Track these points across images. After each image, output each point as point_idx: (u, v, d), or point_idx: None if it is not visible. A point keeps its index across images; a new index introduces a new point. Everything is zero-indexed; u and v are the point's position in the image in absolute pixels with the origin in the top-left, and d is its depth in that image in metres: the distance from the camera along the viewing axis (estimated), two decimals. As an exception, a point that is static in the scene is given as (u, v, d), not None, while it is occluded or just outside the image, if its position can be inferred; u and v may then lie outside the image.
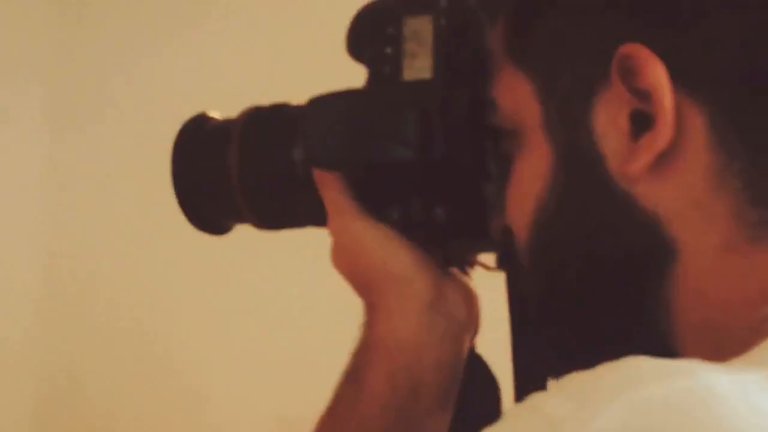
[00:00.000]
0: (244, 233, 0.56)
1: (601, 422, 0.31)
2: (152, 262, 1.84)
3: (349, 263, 0.49)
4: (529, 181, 0.42)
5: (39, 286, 1.91)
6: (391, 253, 0.47)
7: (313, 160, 0.49)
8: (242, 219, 0.53)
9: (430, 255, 0.48)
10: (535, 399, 0.34)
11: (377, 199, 0.48)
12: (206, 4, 1.83)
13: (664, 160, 0.38)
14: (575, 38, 0.41)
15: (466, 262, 0.50)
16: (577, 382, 0.34)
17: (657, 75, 0.38)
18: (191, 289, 1.86)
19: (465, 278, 0.50)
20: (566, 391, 0.34)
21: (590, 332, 0.43)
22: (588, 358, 0.35)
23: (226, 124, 0.53)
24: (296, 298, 1.75)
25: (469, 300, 0.49)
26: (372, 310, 0.48)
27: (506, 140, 0.44)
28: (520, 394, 0.45)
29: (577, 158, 0.41)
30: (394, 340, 0.46)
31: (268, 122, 0.52)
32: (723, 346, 0.38)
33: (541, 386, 0.43)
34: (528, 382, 0.45)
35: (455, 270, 0.49)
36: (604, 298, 0.42)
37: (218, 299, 1.83)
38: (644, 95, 0.38)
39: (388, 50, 0.47)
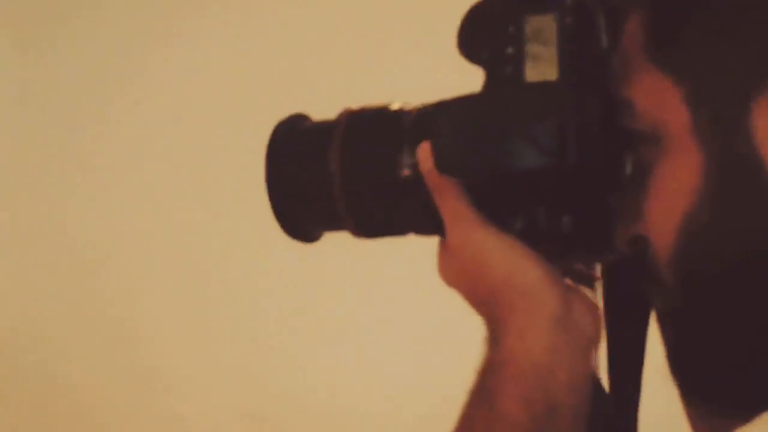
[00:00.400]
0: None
1: None
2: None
3: (470, 276, 0.45)
4: (676, 189, 0.40)
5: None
6: (517, 265, 0.44)
7: (444, 166, 0.45)
8: (340, 226, 0.51)
9: (556, 267, 0.45)
10: None
11: (500, 207, 0.45)
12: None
13: None
14: (729, 42, 0.40)
15: (589, 275, 0.48)
16: None
17: None
18: (160, 268, 1.84)
19: (587, 291, 0.47)
20: None
21: (754, 342, 0.40)
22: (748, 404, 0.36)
23: (325, 126, 0.51)
24: (265, 291, 1.73)
25: (594, 314, 0.46)
26: (498, 326, 0.44)
27: (645, 146, 0.42)
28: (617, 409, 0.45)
29: (736, 164, 0.39)
30: (527, 360, 0.43)
31: (371, 125, 0.50)
32: None
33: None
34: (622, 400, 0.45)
35: (577, 282, 0.47)
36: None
37: (186, 287, 1.80)
38: None
39: (510, 50, 0.45)
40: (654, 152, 0.41)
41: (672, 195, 0.40)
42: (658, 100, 0.41)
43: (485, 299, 0.45)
